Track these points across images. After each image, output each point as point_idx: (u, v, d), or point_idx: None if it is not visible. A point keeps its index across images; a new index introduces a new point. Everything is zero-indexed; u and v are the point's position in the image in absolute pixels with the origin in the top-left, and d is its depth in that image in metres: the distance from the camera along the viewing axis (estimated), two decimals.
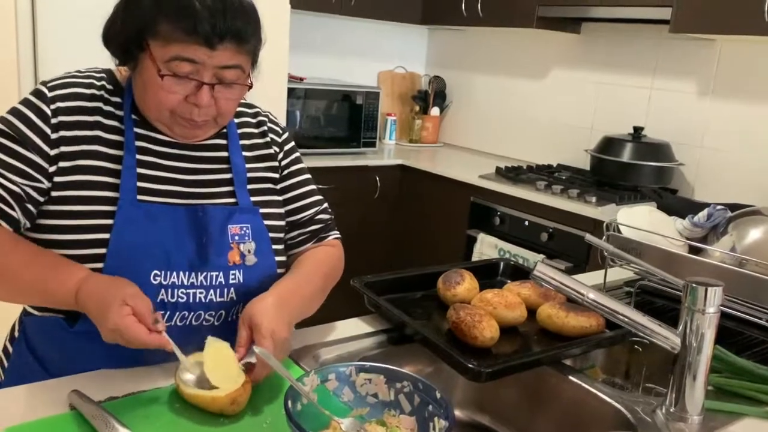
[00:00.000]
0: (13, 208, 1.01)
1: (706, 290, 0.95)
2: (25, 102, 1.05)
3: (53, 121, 1.03)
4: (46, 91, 1.06)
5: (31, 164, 1.02)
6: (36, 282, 0.99)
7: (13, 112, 1.05)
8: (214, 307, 1.07)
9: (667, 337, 0.97)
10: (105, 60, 1.10)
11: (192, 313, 1.06)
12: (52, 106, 1.04)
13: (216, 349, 0.97)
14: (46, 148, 1.03)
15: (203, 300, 1.06)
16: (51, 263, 1.00)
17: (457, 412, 1.19)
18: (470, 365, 1.01)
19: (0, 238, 0.99)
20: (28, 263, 1.00)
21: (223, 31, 0.97)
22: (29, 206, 1.02)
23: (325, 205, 1.29)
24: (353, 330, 1.23)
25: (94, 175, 1.04)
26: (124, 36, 1.01)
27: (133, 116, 1.09)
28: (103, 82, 1.10)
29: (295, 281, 1.12)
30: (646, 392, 1.23)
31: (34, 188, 1.02)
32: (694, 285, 0.95)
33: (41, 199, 1.03)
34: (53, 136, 1.03)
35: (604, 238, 1.43)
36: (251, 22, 1.02)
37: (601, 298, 0.96)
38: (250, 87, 1.06)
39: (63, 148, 1.03)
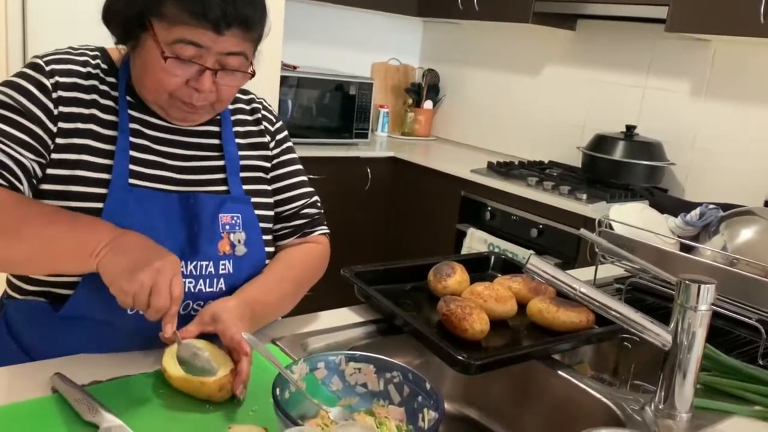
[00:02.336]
0: (21, 183, 0.97)
1: (699, 287, 0.94)
2: (23, 75, 1.02)
3: (54, 95, 1.01)
4: (43, 64, 1.02)
5: (37, 139, 0.99)
6: (67, 224, 0.94)
7: (11, 85, 1.01)
8: (202, 297, 1.05)
9: (658, 334, 0.97)
10: (96, 38, 1.07)
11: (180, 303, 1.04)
12: (51, 80, 1.01)
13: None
14: (49, 124, 1.00)
15: (192, 290, 1.04)
16: (82, 215, 0.98)
17: (445, 405, 1.18)
18: (460, 357, 1.00)
19: (17, 198, 0.95)
20: (61, 213, 0.96)
21: (232, 17, 0.95)
22: (33, 182, 0.99)
23: (315, 198, 1.27)
24: (342, 320, 1.22)
25: (87, 155, 1.02)
26: (126, 15, 0.98)
27: (128, 98, 1.06)
28: (98, 61, 1.07)
29: (261, 287, 1.09)
30: (634, 389, 1.23)
31: (39, 164, 0.99)
32: (687, 282, 0.95)
33: (40, 176, 1.00)
34: (55, 111, 1.00)
35: (595, 234, 1.43)
36: (259, 9, 1.00)
37: (593, 293, 0.95)
38: (253, 75, 1.04)
39: (61, 125, 1.01)
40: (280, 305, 1.13)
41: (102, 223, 0.96)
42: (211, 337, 0.97)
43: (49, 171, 1.00)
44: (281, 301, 1.13)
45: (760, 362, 1.17)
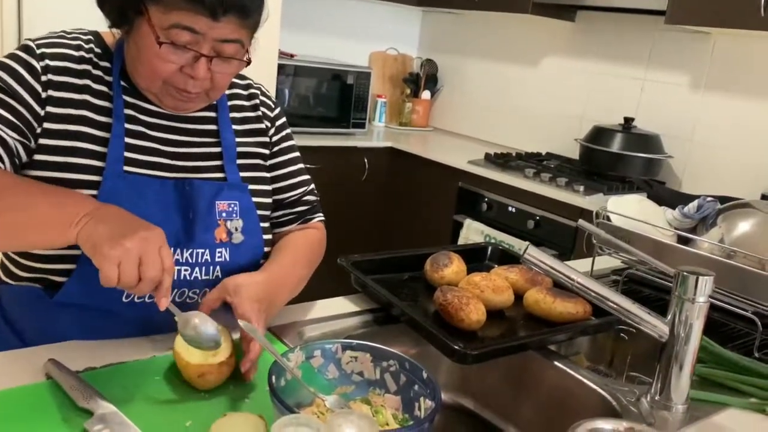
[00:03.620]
0: (2, 161, 0.95)
1: (697, 279, 0.94)
2: (13, 57, 1.00)
3: (43, 78, 0.99)
4: (34, 46, 1.01)
5: (22, 119, 0.97)
6: (45, 194, 0.91)
7: (0, 65, 0.99)
8: (198, 285, 1.05)
9: (655, 326, 0.97)
10: (93, 22, 1.06)
11: (175, 291, 1.03)
12: (41, 63, 1.00)
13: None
14: (36, 106, 0.98)
15: (188, 278, 1.03)
16: (61, 188, 0.95)
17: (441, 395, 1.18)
18: (456, 347, 1.00)
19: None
20: (39, 185, 0.93)
21: (229, 4, 0.94)
22: (16, 161, 0.97)
23: (312, 185, 1.27)
24: (338, 309, 1.21)
25: (81, 142, 1.00)
26: None
27: (122, 83, 1.05)
28: (91, 45, 1.05)
29: (285, 269, 1.10)
30: (630, 381, 1.23)
31: (23, 145, 0.97)
32: (685, 274, 0.95)
33: (25, 160, 0.99)
34: (43, 94, 0.99)
35: (593, 225, 1.42)
36: None
37: (590, 284, 0.95)
38: (248, 63, 1.03)
39: (50, 109, 0.99)
40: (295, 288, 1.14)
41: (81, 195, 0.93)
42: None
43: (41, 157, 0.99)
44: (297, 284, 1.14)
45: (756, 355, 1.18)
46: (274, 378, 0.78)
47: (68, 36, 1.05)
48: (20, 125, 0.97)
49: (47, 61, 1.00)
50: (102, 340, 0.99)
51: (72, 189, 0.98)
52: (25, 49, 1.01)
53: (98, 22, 1.04)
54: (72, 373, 0.87)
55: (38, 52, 1.00)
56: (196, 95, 1.02)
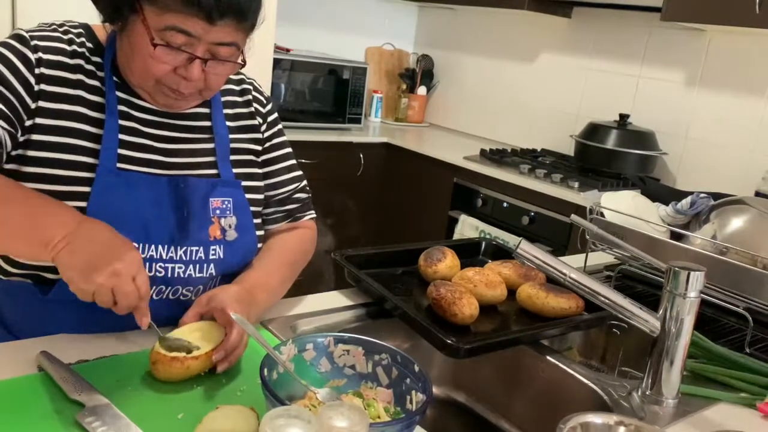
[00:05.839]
0: None
1: (688, 275, 0.94)
2: (5, 45, 0.98)
3: (37, 71, 0.98)
4: (28, 37, 0.99)
5: (12, 110, 0.95)
6: (25, 205, 0.89)
7: None
8: (192, 283, 1.04)
9: (647, 320, 0.97)
10: (87, 16, 1.05)
11: (169, 288, 1.03)
12: (36, 55, 0.98)
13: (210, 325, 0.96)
14: (27, 98, 0.96)
15: (182, 275, 1.03)
16: (44, 197, 0.93)
17: (434, 389, 1.19)
18: (449, 341, 1.00)
19: None
20: (21, 192, 0.91)
21: (225, 7, 0.92)
22: (3, 153, 0.95)
23: (304, 182, 1.26)
24: (332, 303, 1.21)
25: (74, 138, 0.99)
26: None
27: (114, 78, 1.03)
28: (83, 39, 1.04)
29: (262, 273, 1.09)
30: (622, 375, 1.24)
31: (11, 136, 0.95)
32: (676, 269, 0.95)
33: (9, 150, 0.96)
34: (36, 87, 0.97)
35: (586, 221, 1.43)
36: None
37: (582, 279, 0.95)
38: (243, 65, 1.02)
39: (42, 104, 0.98)
40: (278, 291, 1.13)
41: (61, 210, 0.90)
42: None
43: (33, 153, 0.97)
44: (280, 285, 1.13)
45: (747, 350, 1.18)
46: (266, 371, 0.78)
47: (60, 29, 1.03)
48: (10, 115, 0.95)
49: (41, 54, 0.99)
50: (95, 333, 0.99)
51: (63, 186, 0.96)
52: (19, 39, 0.99)
53: (93, 15, 1.02)
54: (64, 365, 0.87)
55: (32, 43, 0.99)
56: (188, 95, 1.01)
